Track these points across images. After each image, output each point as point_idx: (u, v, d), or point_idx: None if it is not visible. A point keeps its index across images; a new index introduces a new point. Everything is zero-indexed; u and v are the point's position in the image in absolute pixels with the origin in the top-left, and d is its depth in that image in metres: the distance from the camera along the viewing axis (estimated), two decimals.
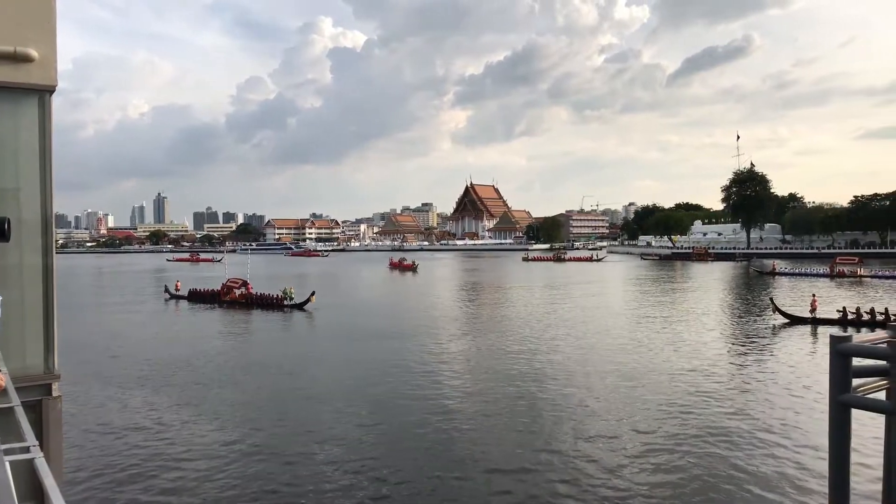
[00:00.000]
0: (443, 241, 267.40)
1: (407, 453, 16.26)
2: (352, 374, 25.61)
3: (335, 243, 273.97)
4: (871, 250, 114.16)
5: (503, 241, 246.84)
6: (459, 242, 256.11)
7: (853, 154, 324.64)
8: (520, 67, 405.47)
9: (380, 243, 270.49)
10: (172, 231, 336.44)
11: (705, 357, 28.07)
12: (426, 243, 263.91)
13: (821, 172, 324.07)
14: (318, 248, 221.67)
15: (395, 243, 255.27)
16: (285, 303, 49.35)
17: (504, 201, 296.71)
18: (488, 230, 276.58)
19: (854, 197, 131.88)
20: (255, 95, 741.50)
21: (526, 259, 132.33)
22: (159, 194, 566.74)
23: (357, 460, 15.73)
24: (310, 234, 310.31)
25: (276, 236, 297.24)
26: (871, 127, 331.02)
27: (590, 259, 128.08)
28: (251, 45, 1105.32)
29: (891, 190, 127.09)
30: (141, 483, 14.44)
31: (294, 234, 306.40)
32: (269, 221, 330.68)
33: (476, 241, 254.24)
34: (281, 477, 14.69)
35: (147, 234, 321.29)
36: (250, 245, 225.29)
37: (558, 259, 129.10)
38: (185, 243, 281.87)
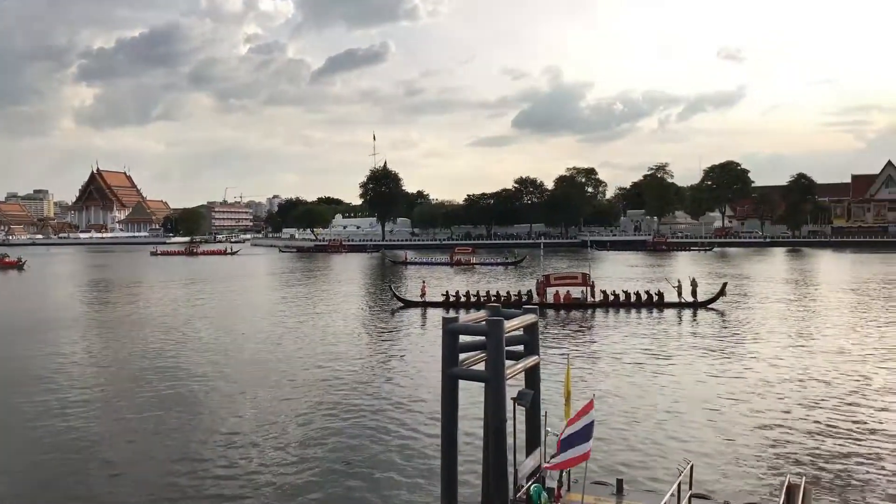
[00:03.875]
0: (62, 234, 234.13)
1: (22, 468, 13.88)
2: None
3: None
4: (481, 241, 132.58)
5: (137, 234, 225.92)
6: (83, 235, 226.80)
7: (468, 158, 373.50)
8: (159, 47, 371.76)
9: None
10: None
11: (332, 344, 29.47)
12: (40, 236, 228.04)
13: (443, 173, 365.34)
14: None
15: None
16: None
17: (138, 190, 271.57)
18: (119, 222, 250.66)
19: (467, 196, 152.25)
20: None
21: (154, 254, 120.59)
22: None
23: None
24: None
25: None
26: (482, 135, 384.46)
27: (224, 253, 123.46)
28: None
29: (495, 190, 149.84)
30: None
31: None
32: None
33: (104, 234, 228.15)
34: None
35: None
36: None
37: (191, 253, 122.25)
38: None
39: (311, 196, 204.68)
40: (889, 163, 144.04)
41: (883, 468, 14.34)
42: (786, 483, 9.87)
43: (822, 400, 19.66)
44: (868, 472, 14.11)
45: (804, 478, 10.55)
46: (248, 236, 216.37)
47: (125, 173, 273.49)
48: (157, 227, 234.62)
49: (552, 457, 9.63)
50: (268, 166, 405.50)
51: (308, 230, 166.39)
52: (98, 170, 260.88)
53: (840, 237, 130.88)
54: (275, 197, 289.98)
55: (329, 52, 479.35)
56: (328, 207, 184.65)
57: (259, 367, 24.88)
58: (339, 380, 22.65)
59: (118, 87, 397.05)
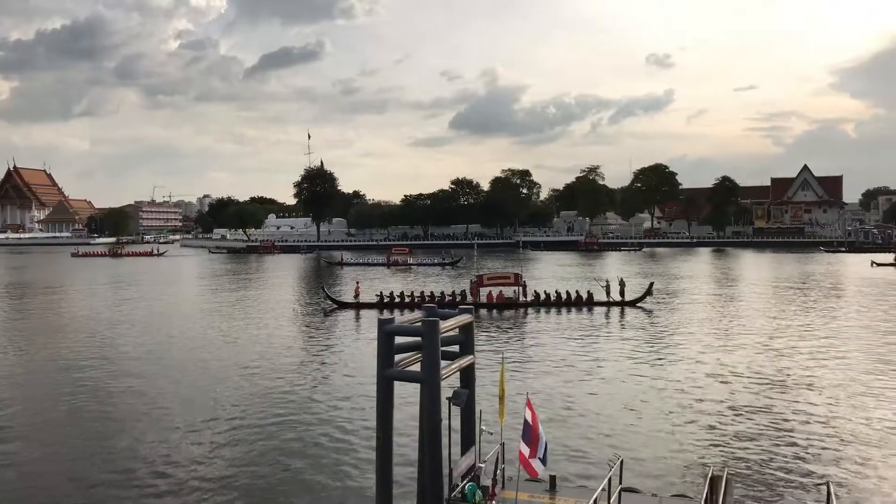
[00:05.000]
0: None
1: None
2: None
3: None
4: (418, 242, 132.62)
5: (59, 235, 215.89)
6: None
7: (405, 158, 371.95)
8: (82, 40, 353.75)
9: None
10: None
11: (263, 348, 28.89)
12: None
13: (380, 173, 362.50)
14: None
15: None
16: None
17: (60, 189, 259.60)
18: (39, 222, 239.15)
19: (404, 196, 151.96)
20: None
21: (76, 255, 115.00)
22: None
23: None
24: None
25: None
26: (418, 136, 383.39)
27: (150, 254, 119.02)
28: None
29: (431, 191, 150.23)
30: None
31: None
32: None
33: (22, 235, 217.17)
34: None
35: None
36: None
37: (115, 254, 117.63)
38: None
39: (243, 195, 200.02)
40: (805, 167, 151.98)
41: (799, 458, 15.11)
42: (709, 475, 10.27)
43: (743, 394, 20.55)
44: (785, 462, 14.85)
45: (726, 469, 11.01)
46: (178, 237, 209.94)
47: (45, 171, 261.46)
48: (81, 227, 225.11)
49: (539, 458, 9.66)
50: (198, 165, 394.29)
51: (240, 231, 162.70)
52: (14, 167, 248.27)
53: (761, 237, 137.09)
54: (205, 196, 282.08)
55: (263, 50, 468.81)
56: (261, 207, 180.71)
57: (188, 372, 24.22)
58: (271, 384, 22.27)
59: (37, 81, 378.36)
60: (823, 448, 15.70)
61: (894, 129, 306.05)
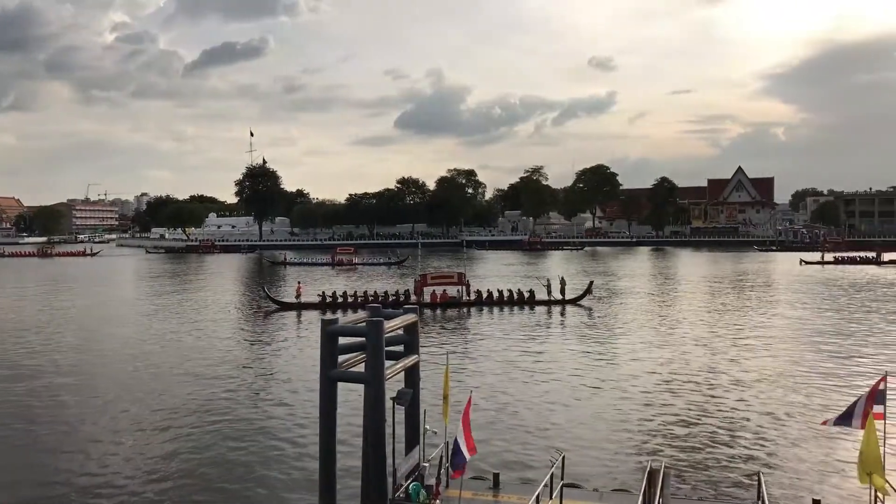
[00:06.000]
0: None
1: None
2: None
3: None
4: (363, 241, 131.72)
5: None
6: None
7: (349, 157, 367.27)
8: (10, 31, 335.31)
9: None
10: None
11: (201, 351, 28.24)
12: None
13: (324, 172, 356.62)
14: None
15: None
16: None
17: None
18: None
19: (349, 195, 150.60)
20: None
21: (1, 255, 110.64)
22: None
23: None
24: None
25: None
26: (363, 135, 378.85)
27: (83, 254, 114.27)
28: None
29: (377, 190, 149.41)
30: None
31: None
32: None
33: None
34: None
35: None
36: None
37: (44, 254, 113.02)
38: None
39: (183, 194, 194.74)
40: (739, 168, 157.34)
41: (732, 450, 15.67)
42: (647, 468, 10.54)
43: (680, 390, 21.17)
44: (719, 455, 15.38)
45: (664, 463, 11.31)
46: (114, 236, 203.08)
47: None
48: (9, 226, 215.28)
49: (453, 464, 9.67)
50: (136, 162, 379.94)
51: (179, 230, 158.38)
52: None
53: (698, 237, 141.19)
54: (143, 195, 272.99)
55: (204, 45, 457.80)
56: (201, 206, 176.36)
57: (120, 381, 23.46)
58: (210, 390, 21.76)
59: None
60: (755, 440, 16.31)
61: (820, 133, 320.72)
